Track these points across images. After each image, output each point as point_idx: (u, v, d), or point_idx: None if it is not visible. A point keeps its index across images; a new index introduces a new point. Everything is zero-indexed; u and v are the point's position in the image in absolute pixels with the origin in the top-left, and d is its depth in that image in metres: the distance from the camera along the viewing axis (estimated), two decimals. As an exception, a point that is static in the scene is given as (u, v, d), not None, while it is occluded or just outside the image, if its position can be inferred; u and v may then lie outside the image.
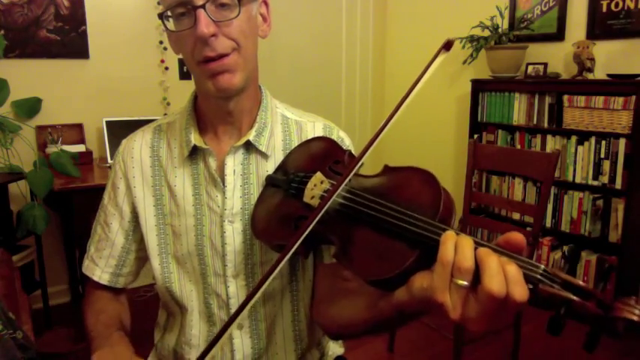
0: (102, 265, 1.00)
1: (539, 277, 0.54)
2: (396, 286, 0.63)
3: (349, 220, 0.71)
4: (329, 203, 0.70)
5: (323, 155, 0.86)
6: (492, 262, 0.53)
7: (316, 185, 0.79)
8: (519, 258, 0.55)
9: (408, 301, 0.62)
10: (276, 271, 0.67)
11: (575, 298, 0.52)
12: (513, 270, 0.53)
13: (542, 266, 0.54)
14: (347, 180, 0.71)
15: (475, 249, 0.56)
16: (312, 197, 0.78)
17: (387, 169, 0.74)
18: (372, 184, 0.73)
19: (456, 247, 0.56)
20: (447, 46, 0.70)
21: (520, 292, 0.52)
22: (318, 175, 0.80)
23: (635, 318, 0.50)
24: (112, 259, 0.99)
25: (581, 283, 0.53)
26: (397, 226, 0.63)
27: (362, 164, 0.82)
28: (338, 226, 0.72)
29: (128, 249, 0.99)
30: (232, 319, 0.68)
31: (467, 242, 0.56)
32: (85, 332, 0.97)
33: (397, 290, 0.63)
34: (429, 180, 0.66)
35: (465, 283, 0.55)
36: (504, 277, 0.52)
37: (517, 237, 0.57)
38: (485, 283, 0.52)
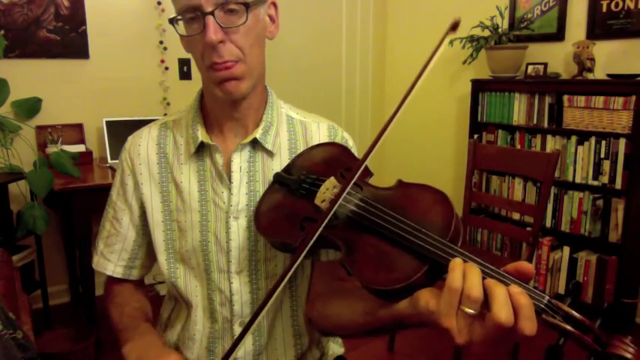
0: (114, 259, 1.01)
1: (543, 306, 0.56)
2: (398, 298, 0.64)
3: (359, 229, 0.71)
4: (336, 206, 0.71)
5: (335, 161, 0.87)
6: (501, 292, 0.55)
7: (328, 189, 0.80)
8: (526, 287, 0.57)
9: (411, 314, 0.63)
10: (289, 275, 0.69)
11: (574, 331, 0.55)
12: (526, 304, 0.54)
13: (547, 297, 0.56)
14: (354, 180, 0.72)
15: (484, 278, 0.57)
16: (323, 200, 0.79)
17: (401, 184, 0.75)
18: (384, 196, 0.74)
19: (465, 275, 0.57)
20: (455, 26, 0.72)
21: (530, 327, 0.54)
22: (332, 180, 0.81)
23: (629, 356, 0.54)
24: (125, 252, 1.01)
25: (581, 317, 0.56)
26: (408, 240, 0.64)
27: (372, 175, 0.83)
28: (347, 232, 0.72)
29: (140, 243, 1.00)
30: (249, 325, 0.72)
31: (475, 271, 0.57)
32: (111, 326, 0.98)
33: (400, 302, 0.64)
34: (443, 201, 0.68)
35: (473, 311, 0.56)
36: (514, 309, 0.54)
37: (527, 267, 0.59)
38: (494, 312, 0.54)
